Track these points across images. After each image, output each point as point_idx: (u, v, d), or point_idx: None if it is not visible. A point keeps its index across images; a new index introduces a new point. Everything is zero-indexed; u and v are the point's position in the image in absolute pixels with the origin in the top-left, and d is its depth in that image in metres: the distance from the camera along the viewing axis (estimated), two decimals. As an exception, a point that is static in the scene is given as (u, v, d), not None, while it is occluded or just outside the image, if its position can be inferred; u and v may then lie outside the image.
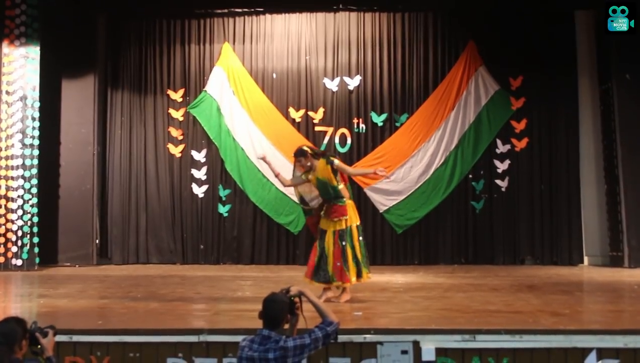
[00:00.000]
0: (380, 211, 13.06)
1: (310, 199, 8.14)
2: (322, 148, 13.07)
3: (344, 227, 7.64)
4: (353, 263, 7.59)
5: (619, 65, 12.48)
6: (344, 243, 7.58)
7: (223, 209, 13.34)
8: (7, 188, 11.95)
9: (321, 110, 13.38)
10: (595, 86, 13.24)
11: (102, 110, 13.52)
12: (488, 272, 11.43)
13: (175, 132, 13.50)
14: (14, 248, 11.84)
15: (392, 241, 13.12)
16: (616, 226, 12.45)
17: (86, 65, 13.21)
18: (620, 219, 12.31)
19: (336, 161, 7.75)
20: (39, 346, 4.11)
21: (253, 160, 13.18)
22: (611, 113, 12.61)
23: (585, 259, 13.07)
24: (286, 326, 4.49)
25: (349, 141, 13.20)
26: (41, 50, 12.28)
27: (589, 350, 5.47)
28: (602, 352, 5.46)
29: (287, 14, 13.61)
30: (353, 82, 13.40)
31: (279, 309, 4.38)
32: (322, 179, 7.72)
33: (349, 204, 7.79)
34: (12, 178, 11.98)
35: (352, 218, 7.73)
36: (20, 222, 11.88)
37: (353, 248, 7.63)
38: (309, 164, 7.78)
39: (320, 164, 7.73)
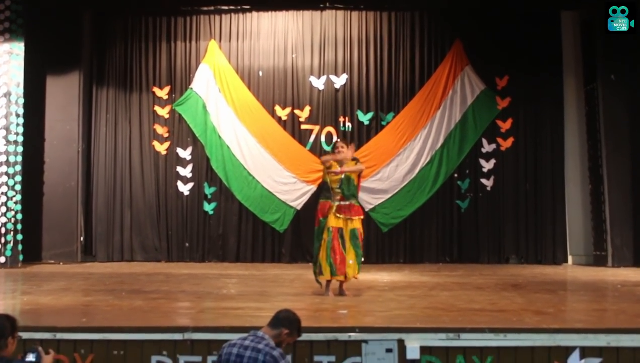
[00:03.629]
0: (366, 209, 13.03)
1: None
2: (308, 147, 13.13)
3: (357, 226, 8.15)
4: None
5: (604, 65, 12.55)
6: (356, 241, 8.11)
7: (208, 207, 13.31)
8: (-9, 185, 11.88)
9: (307, 108, 13.37)
10: (580, 86, 13.32)
11: (87, 107, 13.44)
12: (473, 271, 11.48)
13: (160, 130, 13.45)
14: (-3, 246, 11.77)
15: (377, 240, 13.14)
16: (600, 225, 12.53)
17: (71, 61, 13.12)
18: (604, 219, 12.39)
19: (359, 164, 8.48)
20: (39, 360, 4.10)
21: (239, 158, 13.18)
22: (596, 113, 12.68)
23: (569, 258, 13.15)
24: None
25: (334, 139, 13.17)
26: (25, 46, 12.17)
27: (572, 348, 5.49)
28: (585, 351, 5.49)
29: (273, 12, 13.59)
30: (339, 81, 13.40)
31: (286, 315, 4.58)
32: (349, 176, 8.21)
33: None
34: (-4, 174, 11.90)
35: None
36: (3, 219, 11.78)
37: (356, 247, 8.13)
38: (343, 155, 8.24)
39: (350, 163, 8.28)
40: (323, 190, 8.57)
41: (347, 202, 8.14)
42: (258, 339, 4.32)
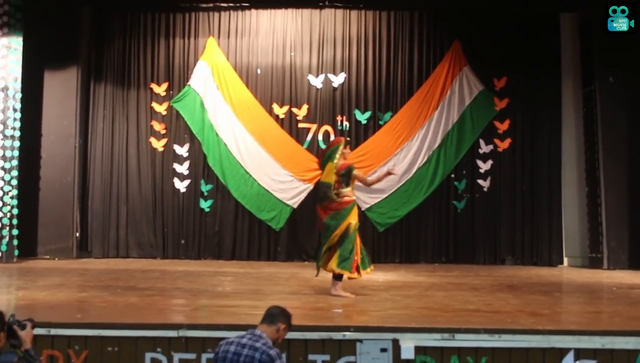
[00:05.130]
0: (362, 209, 13.01)
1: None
2: (305, 145, 13.13)
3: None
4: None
5: (603, 68, 12.56)
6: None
7: (205, 204, 13.30)
8: (-13, 180, 11.85)
9: (305, 106, 13.36)
10: (578, 88, 13.32)
11: (84, 103, 13.41)
12: (468, 272, 11.49)
13: (158, 126, 13.43)
14: (-7, 240, 11.75)
15: (373, 239, 13.10)
16: (596, 228, 12.54)
17: (69, 57, 13.09)
18: (600, 221, 12.40)
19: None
20: (17, 339, 4.06)
21: (236, 156, 13.17)
22: (594, 115, 12.69)
23: (565, 260, 13.16)
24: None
25: (332, 138, 13.16)
26: (24, 40, 12.15)
27: (567, 350, 5.51)
28: (579, 353, 5.50)
29: (272, 10, 13.57)
30: (337, 80, 13.39)
31: (279, 310, 4.57)
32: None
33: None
34: (-8, 169, 11.87)
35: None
36: (-1, 214, 11.78)
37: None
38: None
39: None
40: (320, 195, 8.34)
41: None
42: (256, 337, 4.33)
